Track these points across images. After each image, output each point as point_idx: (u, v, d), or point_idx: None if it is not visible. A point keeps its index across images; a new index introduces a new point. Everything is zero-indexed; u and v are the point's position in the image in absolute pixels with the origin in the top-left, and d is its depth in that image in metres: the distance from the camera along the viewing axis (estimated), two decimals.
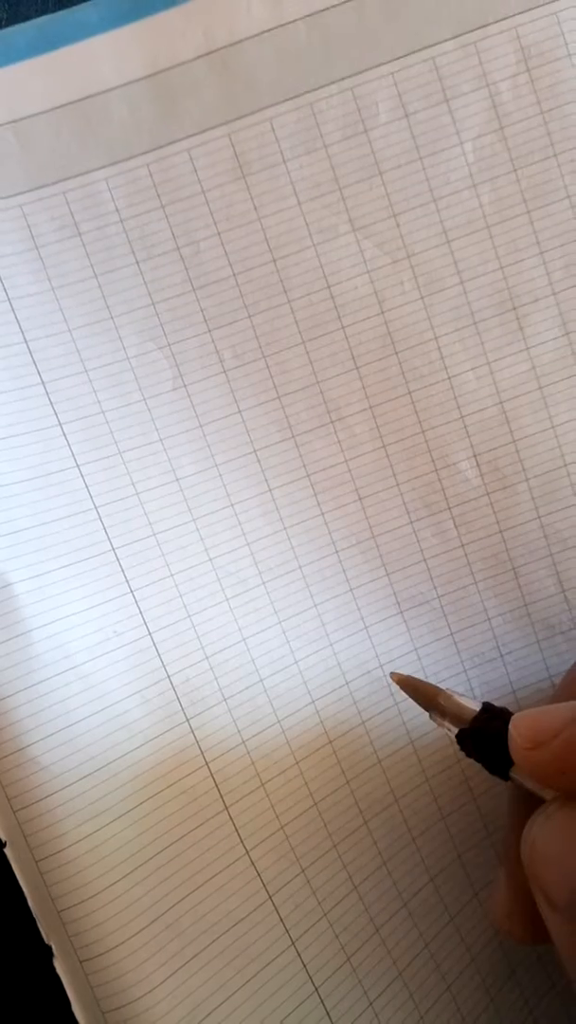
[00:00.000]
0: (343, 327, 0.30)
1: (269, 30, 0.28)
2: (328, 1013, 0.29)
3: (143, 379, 0.29)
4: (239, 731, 0.29)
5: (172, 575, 0.29)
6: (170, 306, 0.29)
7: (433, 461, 0.31)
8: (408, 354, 0.30)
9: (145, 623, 0.29)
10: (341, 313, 0.30)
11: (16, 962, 0.30)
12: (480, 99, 0.29)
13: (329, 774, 0.30)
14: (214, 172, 0.29)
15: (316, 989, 0.29)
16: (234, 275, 0.29)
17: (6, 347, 0.28)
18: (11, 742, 0.26)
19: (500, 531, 0.31)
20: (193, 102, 0.28)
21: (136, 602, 0.29)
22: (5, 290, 0.28)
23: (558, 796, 0.23)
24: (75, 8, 0.28)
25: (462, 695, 0.26)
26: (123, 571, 0.29)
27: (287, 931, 0.29)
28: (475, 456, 0.31)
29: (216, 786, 0.29)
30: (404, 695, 0.27)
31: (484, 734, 0.25)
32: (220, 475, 0.30)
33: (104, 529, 0.29)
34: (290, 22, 0.28)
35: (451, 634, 0.31)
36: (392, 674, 0.27)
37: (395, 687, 0.28)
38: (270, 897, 0.29)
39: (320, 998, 0.29)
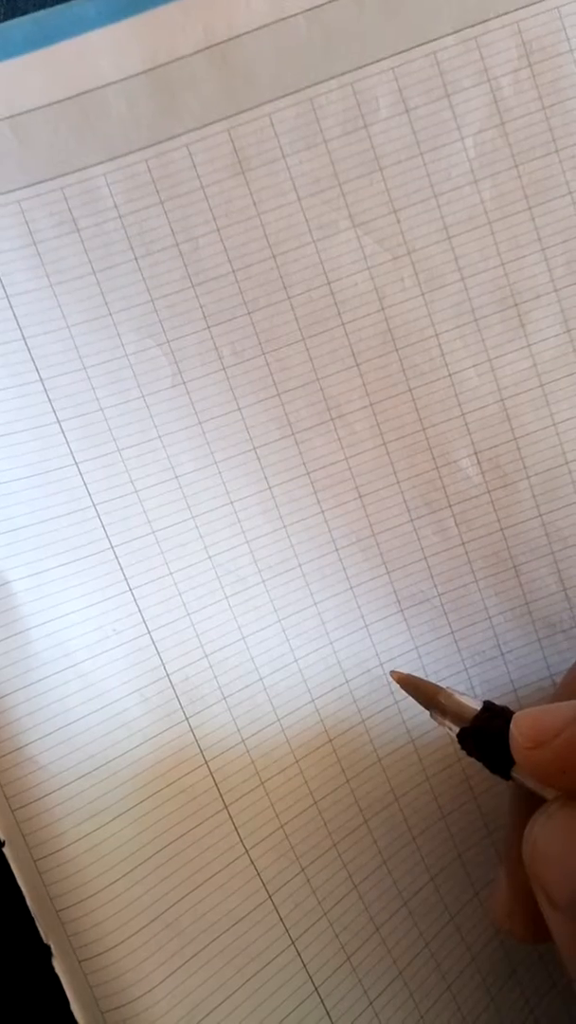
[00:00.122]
0: (343, 324, 0.30)
1: (268, 24, 0.28)
2: (328, 1013, 0.29)
3: (142, 376, 0.29)
4: (239, 730, 0.29)
5: (171, 573, 0.29)
6: (169, 303, 0.29)
7: (434, 459, 0.31)
8: (409, 351, 0.30)
9: (144, 621, 0.29)
10: (341, 310, 0.30)
11: (15, 962, 0.30)
12: (481, 94, 0.29)
13: (329, 773, 0.30)
14: (213, 168, 0.29)
15: (316, 989, 0.29)
16: (233, 271, 0.29)
17: (4, 344, 0.28)
18: (10, 741, 0.26)
19: (501, 529, 0.31)
20: (192, 97, 0.28)
21: (135, 600, 0.29)
22: (3, 287, 0.28)
23: (559, 795, 0.23)
24: (73, 2, 0.28)
25: (463, 694, 0.26)
26: (122, 569, 0.29)
27: (287, 930, 0.29)
28: (476, 453, 0.31)
29: (216, 785, 0.29)
30: (404, 694, 0.27)
31: (485, 733, 0.25)
32: (219, 473, 0.30)
33: (103, 527, 0.28)
34: (290, 16, 0.28)
35: (452, 632, 0.31)
36: (393, 673, 0.27)
37: (395, 686, 0.28)
38: (270, 896, 0.29)
39: (320, 997, 0.29)
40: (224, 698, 0.29)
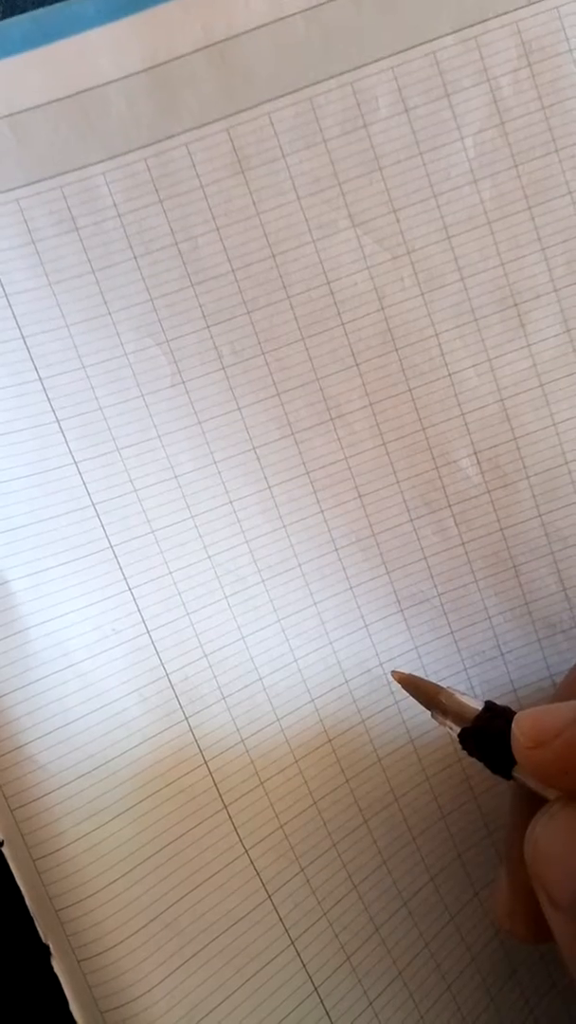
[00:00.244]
0: (343, 323, 0.30)
1: (268, 24, 0.28)
2: (328, 1013, 0.29)
3: (141, 375, 0.29)
4: (238, 730, 0.29)
5: (171, 573, 0.29)
6: (168, 302, 0.29)
7: (433, 459, 0.31)
8: (408, 351, 0.30)
9: (143, 621, 0.29)
10: (341, 309, 0.30)
11: (14, 962, 0.30)
12: (481, 94, 0.29)
13: (328, 773, 0.30)
14: (212, 167, 0.29)
15: (316, 989, 0.29)
16: (233, 271, 0.29)
17: (3, 343, 0.28)
18: (9, 740, 0.26)
19: (501, 529, 0.31)
20: (191, 96, 0.28)
21: (134, 600, 0.29)
22: (2, 285, 0.28)
23: (561, 795, 0.23)
24: (72, 1, 0.28)
25: (464, 694, 0.26)
26: (121, 569, 0.29)
27: (286, 930, 0.29)
28: (476, 453, 0.31)
29: (215, 785, 0.29)
30: (404, 694, 0.27)
31: (486, 733, 0.25)
32: (219, 472, 0.30)
33: (102, 526, 0.28)
34: (289, 16, 0.28)
35: (451, 632, 0.31)
36: (393, 672, 0.27)
37: (395, 685, 0.28)
38: (269, 896, 0.29)
39: (320, 998, 0.29)
40: (223, 698, 0.29)
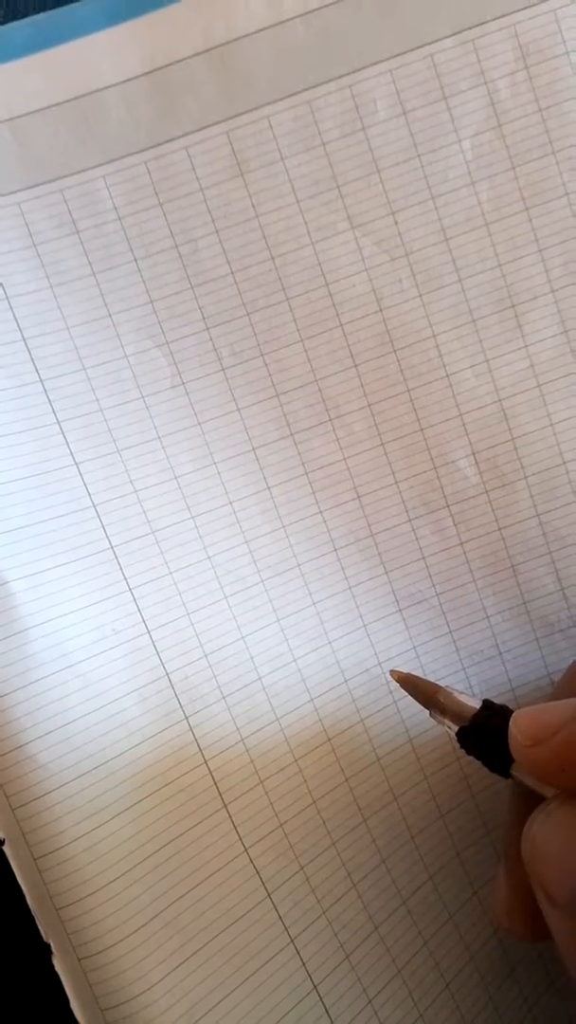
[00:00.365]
0: (341, 325, 0.30)
1: (267, 27, 0.28)
2: (327, 1011, 0.29)
3: (141, 377, 0.29)
4: (238, 729, 0.29)
5: (171, 573, 0.29)
6: (168, 304, 0.29)
7: (432, 459, 0.31)
8: (406, 352, 0.30)
9: (144, 621, 0.29)
10: (339, 311, 0.30)
11: (15, 960, 0.30)
12: (478, 96, 0.29)
13: (328, 772, 0.30)
14: (212, 170, 0.29)
15: (315, 987, 0.29)
16: (232, 273, 0.29)
17: (4, 345, 0.28)
18: (9, 740, 0.26)
19: (499, 529, 0.31)
20: (191, 99, 0.28)
21: (134, 600, 0.29)
22: (3, 288, 0.28)
23: (558, 793, 0.23)
24: (72, 5, 0.28)
25: (462, 693, 0.26)
26: (121, 569, 0.29)
27: (286, 929, 0.29)
28: (474, 454, 0.31)
29: (215, 784, 0.29)
30: (403, 693, 0.27)
31: (484, 731, 0.25)
32: (218, 473, 0.30)
33: (102, 527, 0.29)
34: (288, 19, 0.28)
35: (450, 632, 0.31)
36: (392, 672, 0.27)
37: (394, 685, 0.28)
38: (269, 895, 0.29)
39: (319, 996, 0.29)
40: (223, 697, 0.29)
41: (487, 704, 0.25)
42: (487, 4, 0.29)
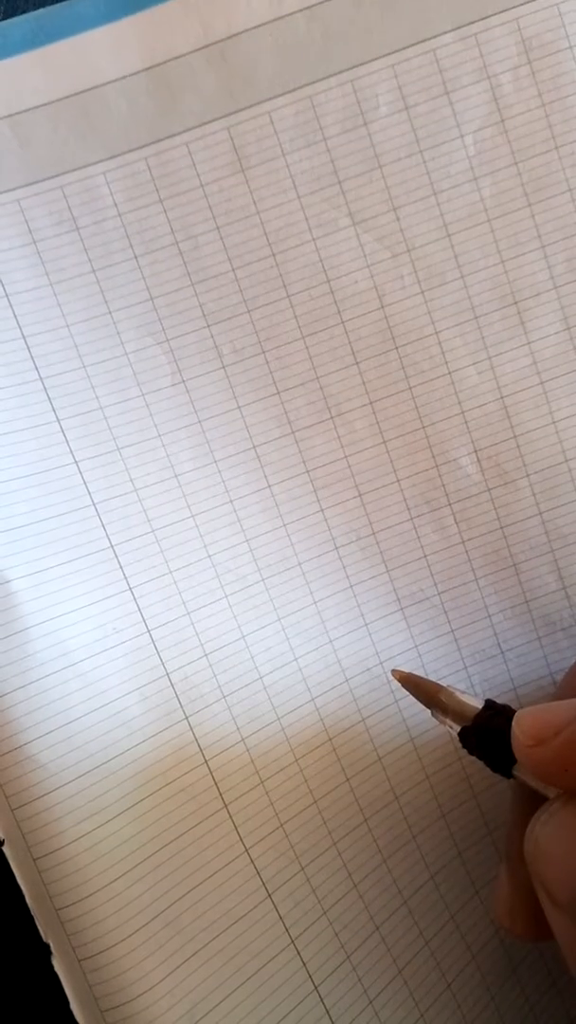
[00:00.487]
0: (343, 322, 0.30)
1: (268, 22, 0.28)
2: (328, 1011, 0.29)
3: (141, 375, 0.29)
4: (238, 729, 0.29)
5: (171, 572, 0.29)
6: (169, 301, 0.29)
7: (433, 457, 0.31)
8: (408, 349, 0.30)
9: (144, 620, 0.29)
10: (341, 308, 0.30)
11: (14, 961, 0.30)
12: (481, 91, 0.29)
13: (329, 772, 0.30)
14: (213, 166, 0.29)
15: (316, 987, 0.29)
16: (233, 270, 0.29)
17: (4, 343, 0.28)
18: (9, 740, 0.26)
19: (501, 527, 0.31)
20: (192, 95, 0.28)
21: (135, 599, 0.29)
22: (3, 285, 0.28)
23: (561, 794, 0.23)
24: (72, 1, 0.28)
25: (463, 692, 0.26)
26: (122, 568, 0.29)
27: (286, 929, 0.29)
28: (476, 452, 0.31)
29: (215, 784, 0.29)
30: (404, 692, 0.27)
31: (487, 731, 0.25)
32: (219, 471, 0.30)
33: (103, 526, 0.28)
34: (289, 14, 0.28)
35: (452, 631, 0.31)
36: (393, 671, 0.27)
37: (395, 684, 0.28)
38: (269, 895, 0.29)
39: (319, 996, 0.29)
40: (224, 697, 0.29)
41: (489, 704, 0.25)
42: None
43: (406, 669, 0.28)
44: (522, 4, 0.29)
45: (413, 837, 0.31)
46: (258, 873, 0.29)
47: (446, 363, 0.30)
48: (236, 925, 0.28)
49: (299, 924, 0.29)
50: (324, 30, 0.28)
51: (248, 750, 0.29)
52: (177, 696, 0.29)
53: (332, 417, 0.30)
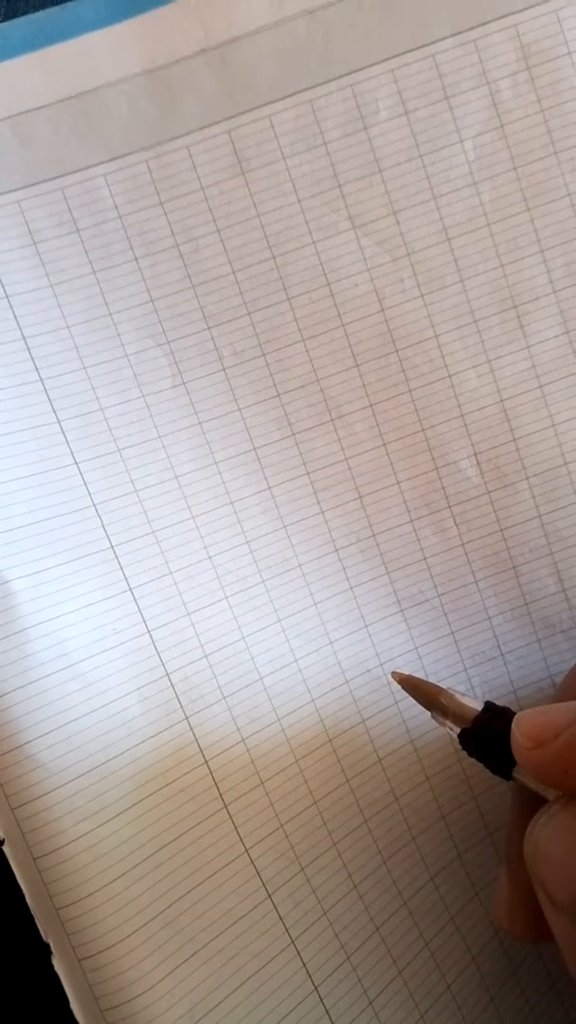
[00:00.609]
0: (343, 325, 0.30)
1: (268, 26, 0.28)
2: (328, 1012, 0.29)
3: (142, 376, 0.29)
4: (238, 729, 0.29)
5: (171, 573, 0.29)
6: (169, 303, 0.29)
7: (433, 459, 0.31)
8: (408, 352, 0.30)
9: (144, 621, 0.29)
10: (341, 311, 0.30)
11: (14, 960, 0.30)
12: (480, 97, 0.29)
13: (329, 773, 0.30)
14: (213, 169, 0.29)
15: (315, 988, 0.29)
16: (233, 272, 0.29)
17: (4, 344, 0.28)
18: (9, 740, 0.26)
19: (500, 529, 0.31)
20: (192, 98, 0.28)
21: (135, 600, 0.29)
22: (3, 287, 0.28)
23: (561, 796, 0.23)
24: (73, 3, 0.28)
25: (464, 694, 0.26)
26: (122, 569, 0.29)
27: (286, 930, 0.29)
28: (475, 454, 0.31)
29: (215, 784, 0.29)
30: (404, 694, 0.27)
31: (487, 733, 0.25)
32: (219, 473, 0.30)
33: (103, 527, 0.28)
34: (289, 18, 0.28)
35: (451, 633, 0.31)
36: (393, 673, 0.27)
37: (395, 686, 0.28)
38: (269, 896, 0.29)
39: (319, 997, 0.29)
40: (224, 698, 0.29)
41: (489, 706, 0.25)
42: (488, 4, 0.29)
43: (406, 671, 0.28)
44: (521, 10, 0.29)
45: (413, 838, 0.31)
46: (258, 873, 0.29)
47: (446, 366, 0.30)
48: (236, 925, 0.28)
49: (299, 924, 0.29)
50: (324, 34, 0.29)
51: (248, 751, 0.29)
52: (177, 696, 0.29)
53: (332, 419, 0.30)
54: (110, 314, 0.29)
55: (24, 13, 0.29)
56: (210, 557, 0.29)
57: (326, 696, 0.30)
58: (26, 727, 0.27)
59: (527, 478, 0.31)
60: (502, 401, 0.31)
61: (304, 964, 0.29)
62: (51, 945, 0.27)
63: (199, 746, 0.29)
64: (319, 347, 0.30)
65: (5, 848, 0.26)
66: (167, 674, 0.29)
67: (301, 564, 0.30)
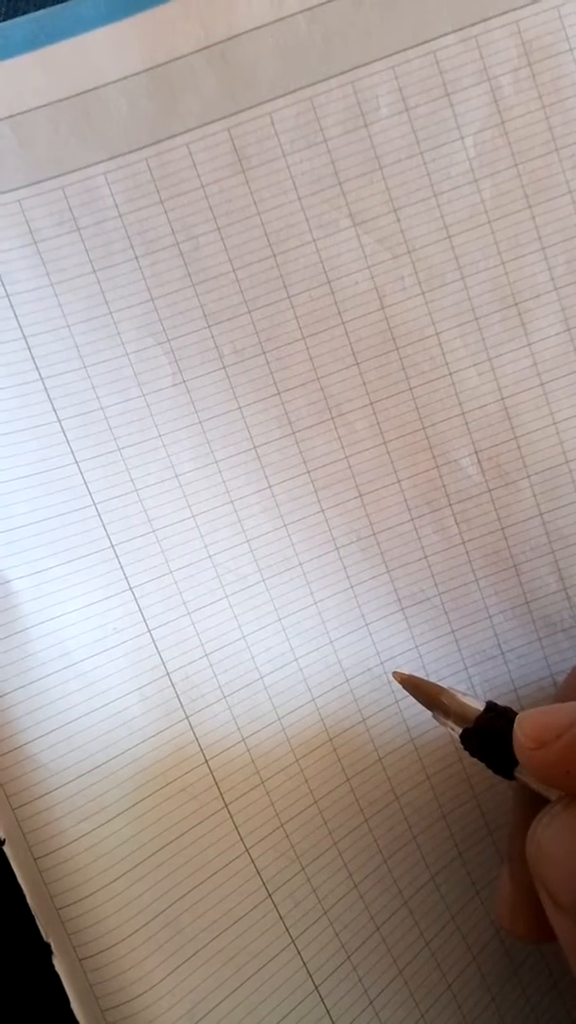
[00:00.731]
0: (343, 323, 0.30)
1: (268, 24, 0.28)
2: (328, 1012, 0.29)
3: (142, 375, 0.29)
4: (239, 729, 0.29)
5: (171, 572, 0.29)
6: (169, 302, 0.29)
7: (434, 457, 0.31)
8: (409, 350, 0.30)
9: (144, 620, 0.29)
10: (341, 309, 0.30)
11: (15, 960, 0.30)
12: (481, 93, 0.29)
13: (329, 772, 0.30)
14: (213, 167, 0.29)
15: (316, 988, 0.29)
16: (233, 270, 0.29)
17: (4, 343, 0.28)
18: (10, 740, 0.26)
19: (501, 528, 0.31)
20: (192, 96, 0.28)
21: (135, 599, 0.29)
22: (4, 286, 0.28)
23: (563, 796, 0.23)
24: (73, 2, 0.28)
25: (465, 694, 0.26)
26: (122, 568, 0.29)
27: (287, 929, 0.29)
28: (476, 452, 0.31)
29: (216, 784, 0.29)
30: (404, 692, 0.27)
31: (488, 734, 0.25)
32: (220, 471, 0.30)
33: (103, 526, 0.28)
34: (289, 15, 0.28)
35: (452, 632, 0.31)
36: (395, 673, 0.27)
37: (395, 685, 0.28)
38: (270, 895, 0.29)
39: (320, 996, 0.29)
40: (224, 697, 0.29)
41: (491, 706, 0.25)
42: (490, 1, 0.29)
43: (407, 670, 0.28)
44: (523, 6, 0.29)
45: (414, 837, 0.31)
46: (258, 873, 0.29)
47: (447, 364, 0.30)
48: (236, 925, 0.28)
49: (299, 924, 0.29)
50: (325, 31, 0.28)
51: (249, 750, 0.29)
52: (178, 696, 0.29)
53: (333, 418, 0.30)
54: (110, 313, 0.29)
55: (25, 12, 0.29)
56: (210, 556, 0.29)
57: (326, 695, 0.30)
58: (27, 727, 0.27)
59: (528, 476, 0.31)
60: (503, 399, 0.30)
61: (304, 964, 0.29)
62: (52, 945, 0.27)
63: (199, 745, 0.29)
64: (319, 345, 0.30)
65: (6, 848, 0.26)
66: (167, 673, 0.29)
67: (301, 563, 0.30)
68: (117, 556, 0.29)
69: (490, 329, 0.30)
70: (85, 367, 0.29)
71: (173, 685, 0.29)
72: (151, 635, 0.29)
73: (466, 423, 0.31)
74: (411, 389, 0.30)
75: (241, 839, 0.29)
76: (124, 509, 0.29)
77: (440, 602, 0.31)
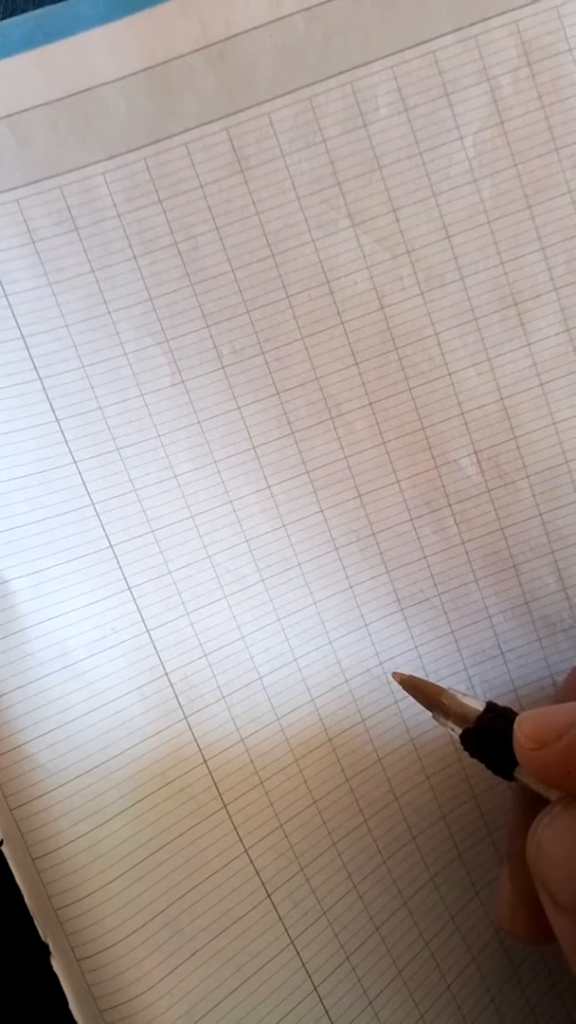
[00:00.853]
0: (342, 323, 0.30)
1: (267, 23, 0.28)
2: (327, 1012, 0.29)
3: (141, 375, 0.29)
4: (238, 729, 0.29)
5: (170, 572, 0.29)
6: (168, 301, 0.29)
7: (433, 458, 0.31)
8: (408, 350, 0.30)
9: (143, 620, 0.29)
10: (340, 309, 0.30)
11: (13, 961, 0.30)
12: (481, 93, 0.29)
13: (328, 772, 0.30)
14: (212, 166, 0.29)
15: (315, 988, 0.29)
16: (232, 270, 0.29)
17: (3, 343, 0.28)
18: (8, 740, 0.26)
19: (501, 528, 0.31)
20: (191, 96, 0.28)
21: (134, 599, 0.29)
22: (2, 285, 0.28)
23: (563, 796, 0.23)
24: (71, 1, 0.28)
25: (465, 694, 0.26)
26: (121, 568, 0.29)
27: (286, 930, 0.29)
28: (476, 452, 0.31)
29: (215, 784, 0.29)
30: (404, 693, 0.27)
31: (488, 734, 0.25)
32: (219, 472, 0.30)
33: (102, 526, 0.28)
34: (288, 15, 0.28)
35: (452, 632, 0.31)
36: (394, 674, 0.27)
37: (395, 685, 0.28)
38: (269, 896, 0.29)
39: (319, 997, 0.29)
40: (223, 697, 0.29)
41: (491, 706, 0.25)
42: (489, 0, 0.29)
43: (406, 670, 0.28)
44: (522, 6, 0.29)
45: (413, 838, 0.31)
46: (257, 873, 0.29)
47: (446, 364, 0.30)
48: (235, 925, 0.28)
49: (299, 924, 0.29)
50: (323, 31, 0.28)
51: (248, 750, 0.29)
52: (176, 696, 0.29)
53: (332, 418, 0.30)
54: (109, 313, 0.29)
55: (23, 11, 0.29)
56: (209, 556, 0.29)
57: (326, 695, 0.30)
58: (25, 727, 0.27)
59: (528, 476, 0.31)
60: (502, 399, 0.30)
61: (304, 964, 0.29)
62: (50, 945, 0.27)
63: (198, 746, 0.29)
64: (318, 345, 0.30)
65: (4, 848, 0.26)
66: (166, 674, 0.29)
67: (300, 563, 0.30)
68: (116, 556, 0.29)
69: (489, 329, 0.30)
70: (83, 367, 0.29)
71: (172, 685, 0.29)
72: (150, 635, 0.29)
73: (465, 423, 0.30)
74: (410, 389, 0.30)
75: (240, 839, 0.29)
76: (123, 509, 0.29)
77: (440, 602, 0.31)
